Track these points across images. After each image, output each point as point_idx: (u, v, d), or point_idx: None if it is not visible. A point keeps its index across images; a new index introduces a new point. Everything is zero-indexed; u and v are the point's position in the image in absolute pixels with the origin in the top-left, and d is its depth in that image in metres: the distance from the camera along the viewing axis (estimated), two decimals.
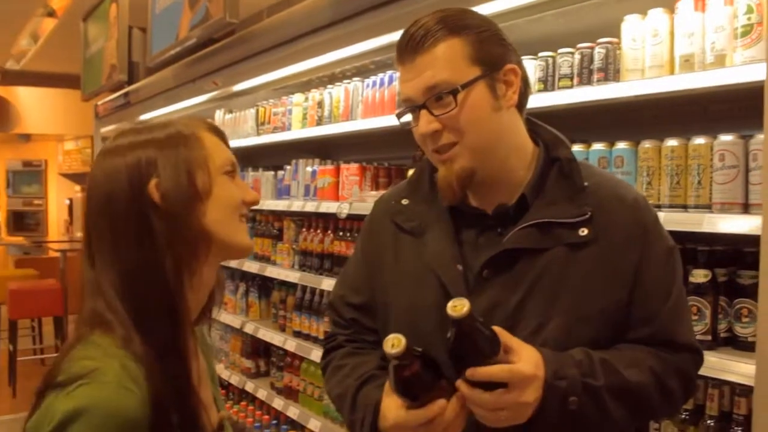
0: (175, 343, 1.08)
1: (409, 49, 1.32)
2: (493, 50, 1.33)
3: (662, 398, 1.32)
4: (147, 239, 1.09)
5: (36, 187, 11.63)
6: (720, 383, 1.84)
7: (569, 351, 1.27)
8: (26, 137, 11.19)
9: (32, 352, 7.13)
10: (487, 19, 1.37)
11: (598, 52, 2.09)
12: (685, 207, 1.91)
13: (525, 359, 1.19)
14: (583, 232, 1.32)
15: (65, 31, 7.48)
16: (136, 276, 1.08)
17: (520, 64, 1.37)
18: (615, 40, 2.07)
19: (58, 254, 8.08)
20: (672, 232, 1.44)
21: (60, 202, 11.51)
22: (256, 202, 1.23)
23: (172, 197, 1.10)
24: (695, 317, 1.83)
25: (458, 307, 1.13)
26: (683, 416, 1.92)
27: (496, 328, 1.20)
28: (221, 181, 1.16)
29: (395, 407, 1.24)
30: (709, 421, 1.87)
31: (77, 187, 11.20)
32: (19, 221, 11.47)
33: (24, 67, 9.55)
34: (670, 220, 1.82)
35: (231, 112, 4.47)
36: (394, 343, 1.15)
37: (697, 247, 1.92)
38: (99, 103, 6.94)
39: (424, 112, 1.32)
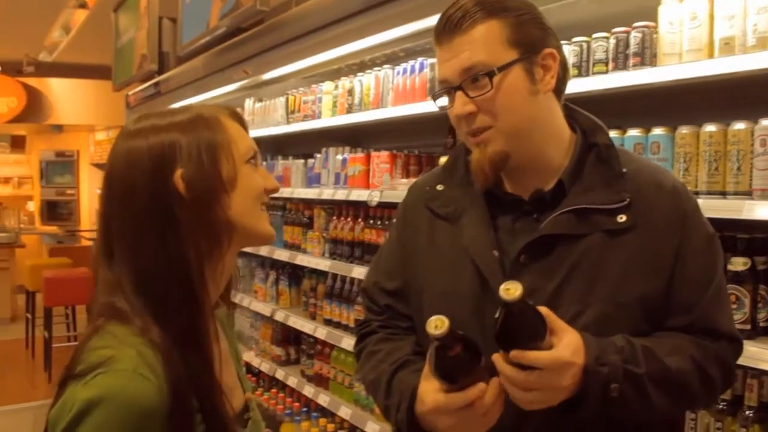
0: (195, 332, 1.08)
1: (446, 30, 1.31)
2: (531, 33, 1.31)
3: (703, 386, 1.31)
4: (170, 231, 1.07)
5: (68, 177, 11.81)
6: (759, 373, 1.82)
7: (611, 338, 1.25)
8: (59, 128, 11.34)
9: (66, 339, 7.24)
10: (527, 1, 1.35)
11: (634, 37, 2.05)
12: (723, 194, 1.88)
13: (565, 344, 1.18)
14: (622, 218, 1.31)
15: (96, 23, 7.55)
16: (158, 267, 1.07)
17: (559, 48, 1.36)
18: (651, 24, 2.03)
19: (90, 243, 8.20)
20: (710, 220, 1.42)
21: (92, 192, 11.67)
22: (277, 190, 1.22)
23: (198, 188, 1.09)
24: (734, 306, 1.80)
25: (511, 290, 1.11)
26: (721, 406, 1.89)
27: (543, 310, 1.19)
28: (245, 170, 1.15)
29: (433, 391, 1.23)
30: (747, 412, 1.84)
31: None
32: (53, 211, 11.66)
33: (56, 58, 9.67)
34: (708, 207, 1.78)
35: (260, 100, 4.48)
36: (438, 324, 1.14)
37: (736, 235, 1.89)
38: (130, 93, 7.01)
39: (459, 93, 1.31)
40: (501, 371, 1.19)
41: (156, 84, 6.03)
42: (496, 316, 1.16)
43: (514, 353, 1.16)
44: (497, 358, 1.19)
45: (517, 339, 1.16)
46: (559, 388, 1.18)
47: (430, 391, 1.24)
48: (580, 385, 1.20)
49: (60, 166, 11.82)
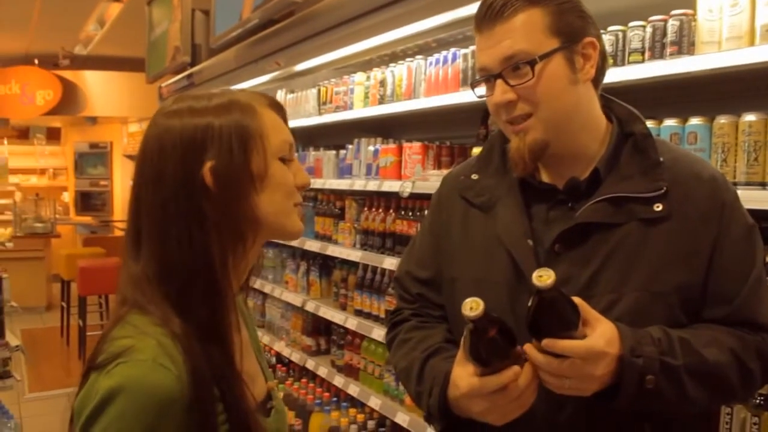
0: (217, 323, 1.08)
1: (487, 18, 1.31)
2: (573, 22, 1.31)
3: (741, 380, 1.29)
4: (196, 223, 1.07)
5: (101, 168, 11.99)
6: None
7: (647, 328, 1.24)
8: (93, 120, 11.51)
9: (100, 327, 7.36)
10: None
11: (672, 25, 2.02)
12: (762, 185, 1.84)
13: (599, 334, 1.18)
14: (658, 207, 1.30)
15: (130, 16, 7.65)
16: (182, 259, 1.07)
17: (599, 37, 1.35)
18: (689, 11, 2.00)
19: (123, 233, 8.31)
20: (749, 211, 1.40)
21: (125, 183, 11.84)
22: (307, 186, 1.21)
23: (226, 182, 1.08)
24: None
25: (544, 277, 1.12)
26: (758, 401, 1.86)
27: (577, 300, 1.18)
28: (277, 166, 1.14)
29: (467, 375, 1.23)
30: None
31: None
32: (86, 201, 11.86)
33: (91, 51, 9.81)
34: (747, 198, 1.74)
35: (292, 92, 4.50)
36: (473, 306, 1.14)
37: None
38: (163, 85, 7.08)
39: (499, 81, 1.31)
40: (533, 359, 1.19)
41: (189, 76, 6.09)
42: (529, 304, 1.16)
43: (546, 342, 1.16)
44: (529, 347, 1.19)
45: (549, 327, 1.16)
46: (592, 377, 1.18)
47: (464, 375, 1.24)
48: (615, 375, 1.19)
49: (94, 158, 12.01)
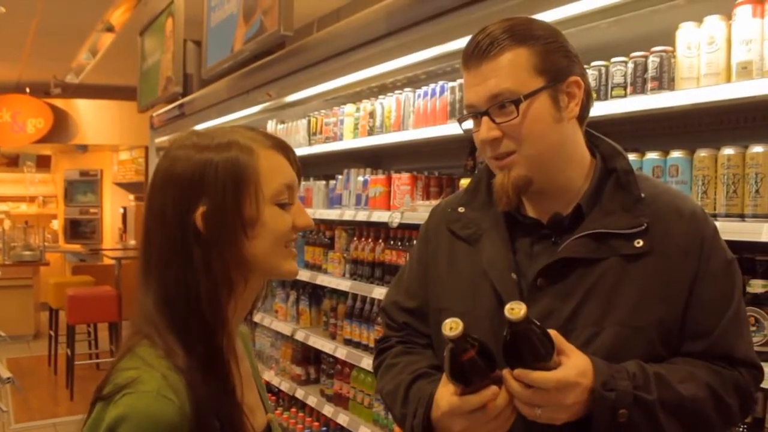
0: (215, 355, 1.11)
1: (475, 56, 1.33)
2: (558, 62, 1.33)
3: (718, 415, 1.30)
4: (187, 263, 1.11)
5: (91, 196, 11.97)
6: None
7: (624, 363, 1.26)
8: (83, 148, 11.52)
9: (88, 356, 7.32)
10: (554, 29, 1.37)
11: (652, 61, 2.08)
12: (742, 216, 1.89)
13: (572, 364, 1.20)
14: (639, 243, 1.31)
15: (123, 45, 7.72)
16: (178, 293, 1.11)
17: (584, 76, 1.37)
18: (669, 48, 2.06)
19: (113, 261, 8.30)
20: (728, 242, 1.42)
21: (114, 211, 11.82)
22: (308, 228, 1.21)
23: (215, 228, 1.11)
24: (753, 328, 1.81)
25: (515, 310, 1.15)
26: (741, 429, 1.89)
27: (552, 332, 1.21)
28: (270, 212, 1.15)
29: (448, 395, 1.26)
30: None
31: (131, 196, 11.49)
32: (76, 229, 11.82)
33: (83, 80, 9.86)
34: (726, 230, 1.79)
35: (283, 122, 4.55)
36: (452, 326, 1.17)
37: (755, 257, 1.90)
38: (154, 114, 7.13)
39: (485, 119, 1.33)
40: (508, 386, 1.22)
41: (180, 105, 6.13)
42: (504, 334, 1.19)
43: (518, 372, 1.19)
44: (506, 373, 1.22)
45: (522, 358, 1.20)
46: (563, 407, 1.20)
47: (445, 395, 1.27)
48: (587, 407, 1.21)
49: (83, 185, 11.99)
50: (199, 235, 1.11)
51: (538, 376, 1.18)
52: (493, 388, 1.22)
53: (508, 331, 1.18)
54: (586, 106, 1.39)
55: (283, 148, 1.20)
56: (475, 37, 1.35)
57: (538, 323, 1.19)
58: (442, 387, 1.30)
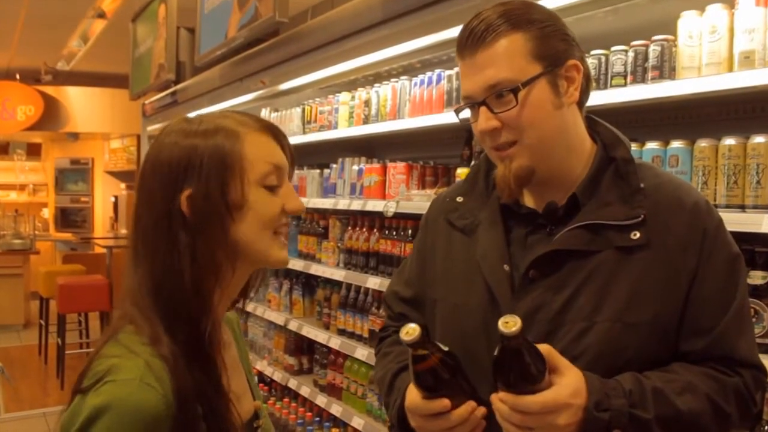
0: (199, 342, 1.09)
1: (469, 44, 1.29)
2: (556, 46, 1.29)
3: (718, 426, 1.25)
4: (171, 246, 1.09)
5: (82, 184, 11.89)
6: None
7: (620, 377, 1.21)
8: (74, 136, 11.44)
9: (79, 345, 7.28)
10: (551, 12, 1.33)
11: (653, 50, 2.06)
12: (742, 207, 1.87)
13: (564, 384, 1.16)
14: (635, 235, 1.26)
15: (114, 32, 7.64)
16: (164, 279, 1.09)
17: (582, 59, 1.33)
18: (670, 37, 2.03)
19: (104, 250, 8.25)
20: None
21: (105, 200, 11.75)
22: (298, 212, 1.19)
23: (201, 212, 1.09)
24: (753, 319, 1.79)
25: (510, 323, 1.10)
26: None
27: (544, 348, 1.16)
28: (257, 194, 1.13)
29: (415, 392, 1.27)
30: (766, 427, 1.82)
31: (122, 185, 11.43)
32: (67, 218, 11.74)
33: (74, 67, 9.77)
34: (727, 221, 1.74)
35: (276, 110, 4.51)
36: (409, 332, 1.16)
37: (755, 249, 1.88)
38: (146, 102, 7.07)
39: (483, 109, 1.29)
40: (498, 411, 1.18)
41: (173, 93, 6.08)
42: (495, 352, 1.15)
43: (509, 398, 1.15)
44: (494, 398, 1.18)
45: (513, 379, 1.15)
46: (556, 428, 1.16)
47: (413, 390, 1.28)
48: (581, 426, 1.17)
49: (74, 174, 11.91)
50: (185, 220, 1.10)
51: (530, 401, 1.14)
52: (444, 402, 1.21)
53: (500, 347, 1.13)
54: (585, 91, 1.35)
55: (271, 129, 1.19)
56: (470, 23, 1.30)
57: (532, 341, 1.15)
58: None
